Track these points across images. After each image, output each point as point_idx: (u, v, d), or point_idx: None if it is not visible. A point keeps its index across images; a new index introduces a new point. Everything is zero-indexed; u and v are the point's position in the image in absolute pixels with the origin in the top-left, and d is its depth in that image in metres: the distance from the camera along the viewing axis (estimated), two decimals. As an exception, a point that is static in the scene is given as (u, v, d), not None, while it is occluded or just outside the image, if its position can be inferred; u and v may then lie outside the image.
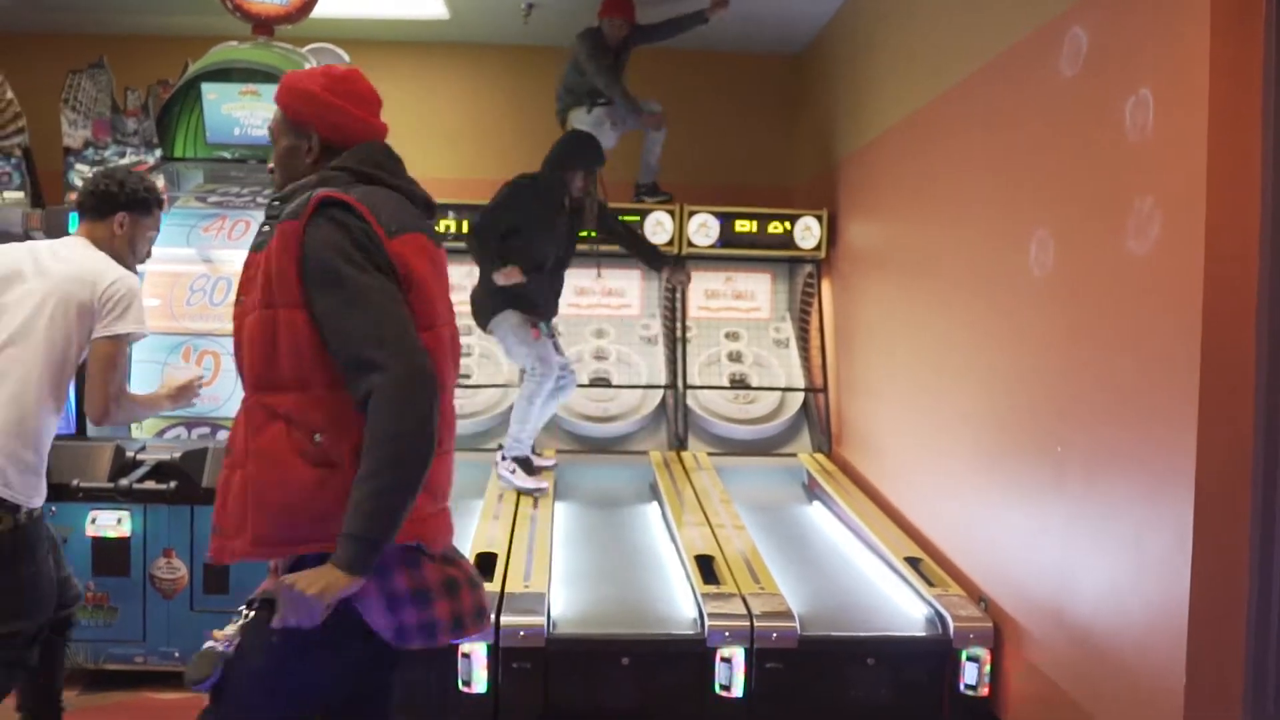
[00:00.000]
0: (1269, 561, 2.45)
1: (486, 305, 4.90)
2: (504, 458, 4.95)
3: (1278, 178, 2.44)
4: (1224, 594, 2.47)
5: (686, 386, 5.82)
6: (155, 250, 4.54)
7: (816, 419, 5.87)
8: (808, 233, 6.00)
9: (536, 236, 4.85)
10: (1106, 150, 2.88)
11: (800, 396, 5.97)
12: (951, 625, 3.51)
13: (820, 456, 5.64)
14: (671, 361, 5.93)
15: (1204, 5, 2.45)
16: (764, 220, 6.03)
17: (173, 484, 3.76)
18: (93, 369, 2.94)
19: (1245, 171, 2.43)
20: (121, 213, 3.14)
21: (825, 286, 6.10)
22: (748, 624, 3.44)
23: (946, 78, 4.16)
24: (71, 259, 3.01)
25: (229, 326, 4.22)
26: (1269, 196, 2.43)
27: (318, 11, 5.22)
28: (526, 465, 4.93)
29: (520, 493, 4.79)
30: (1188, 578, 2.47)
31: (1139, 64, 2.74)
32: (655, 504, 4.98)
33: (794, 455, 5.67)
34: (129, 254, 3.21)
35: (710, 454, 5.60)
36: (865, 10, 5.61)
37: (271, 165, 2.20)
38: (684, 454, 5.57)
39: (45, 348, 2.86)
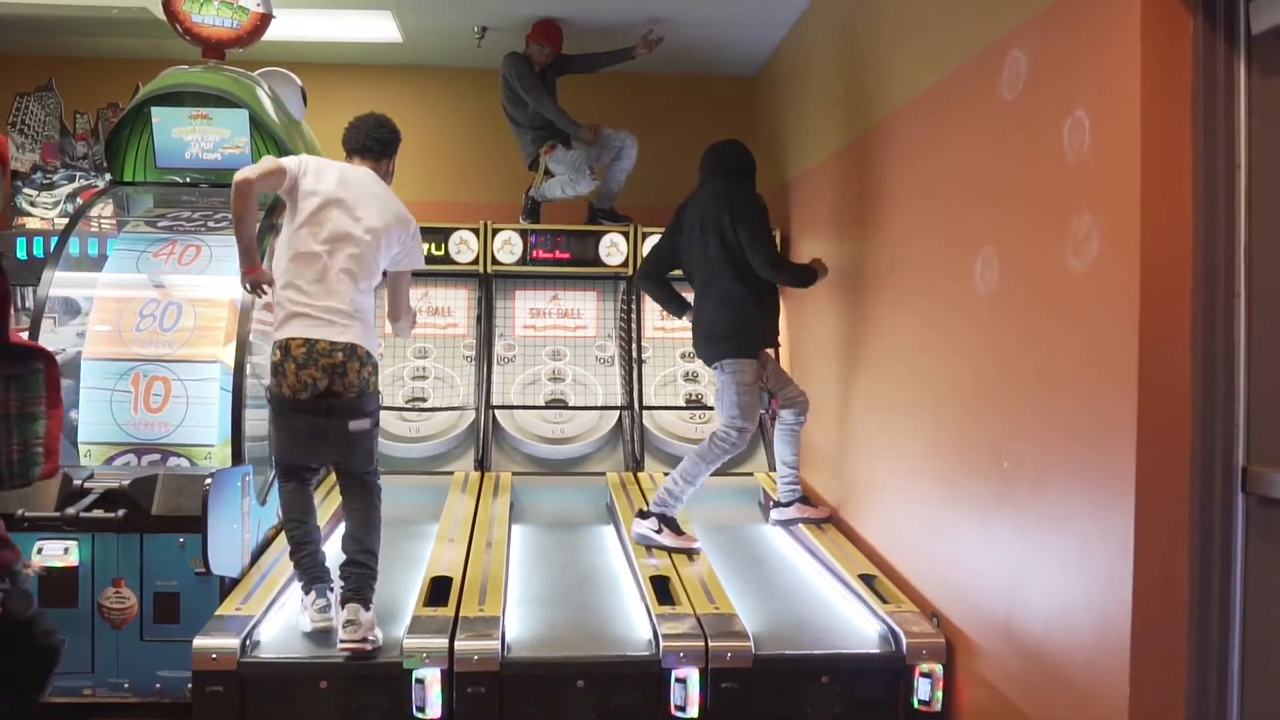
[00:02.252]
0: (1209, 572, 2.49)
1: (734, 338, 4.56)
2: (648, 515, 4.56)
3: (1208, 195, 2.50)
4: (1165, 605, 2.51)
5: (643, 407, 5.84)
6: (105, 276, 4.53)
7: (772, 438, 5.89)
8: (761, 253, 6.04)
9: None
10: (1046, 170, 2.94)
11: (756, 415, 6.00)
12: (905, 641, 3.53)
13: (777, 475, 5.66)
14: (628, 382, 5.94)
15: (1134, 29, 2.52)
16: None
17: (121, 512, 3.71)
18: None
19: (1177, 190, 2.49)
20: (392, 158, 3.94)
21: (780, 306, 6.14)
22: (702, 644, 3.45)
23: (892, 100, 4.23)
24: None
25: (180, 352, 4.28)
26: (1200, 214, 2.49)
27: (270, 34, 5.22)
28: (674, 525, 4.54)
29: (671, 552, 4.41)
30: (1130, 589, 2.51)
31: (1075, 87, 2.80)
32: (611, 526, 4.98)
33: (750, 474, 5.70)
34: None
35: (667, 474, 5.56)
36: (812, 35, 5.69)
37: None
38: (640, 475, 5.58)
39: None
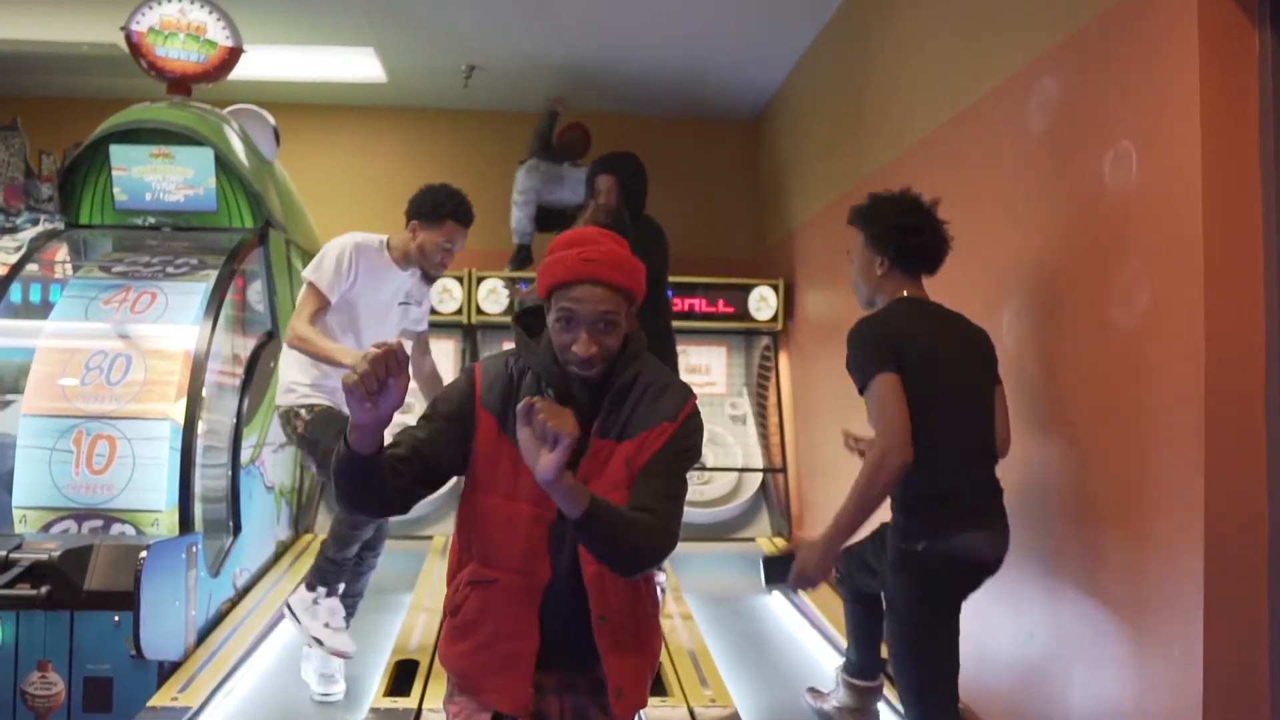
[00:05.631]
0: (1291, 679, 2.11)
1: None
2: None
3: (1283, 237, 2.15)
4: (1242, 716, 2.12)
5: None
6: (49, 324, 4.19)
7: (775, 500, 5.52)
8: (763, 303, 5.73)
9: None
10: (1083, 209, 2.60)
11: (758, 477, 5.64)
12: (925, 740, 3.12)
13: (780, 541, 5.29)
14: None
15: (1191, 48, 2.19)
16: (717, 290, 5.76)
17: (44, 589, 3.33)
18: None
19: (1245, 227, 2.15)
20: (413, 220, 3.55)
21: (783, 360, 5.80)
22: (695, 744, 3.06)
23: (902, 140, 3.91)
24: None
25: (127, 408, 3.91)
26: (1273, 256, 2.15)
27: (244, 73, 4.94)
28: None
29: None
30: (1200, 699, 2.12)
31: (1118, 114, 2.47)
32: (601, 597, 4.58)
33: (752, 539, 5.33)
34: (420, 258, 3.58)
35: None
36: (815, 75, 5.40)
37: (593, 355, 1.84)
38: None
39: None
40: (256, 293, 4.78)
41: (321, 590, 3.46)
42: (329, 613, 3.44)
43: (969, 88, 3.33)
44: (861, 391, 2.48)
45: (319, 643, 3.35)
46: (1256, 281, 2.14)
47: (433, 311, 5.53)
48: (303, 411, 3.47)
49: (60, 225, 5.48)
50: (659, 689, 3.39)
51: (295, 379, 3.49)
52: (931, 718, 2.55)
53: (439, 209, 3.57)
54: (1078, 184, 2.63)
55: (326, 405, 3.49)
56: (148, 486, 3.86)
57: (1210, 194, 2.14)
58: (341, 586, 3.55)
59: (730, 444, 5.76)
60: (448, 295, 5.59)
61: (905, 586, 2.54)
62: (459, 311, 5.61)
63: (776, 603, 4.67)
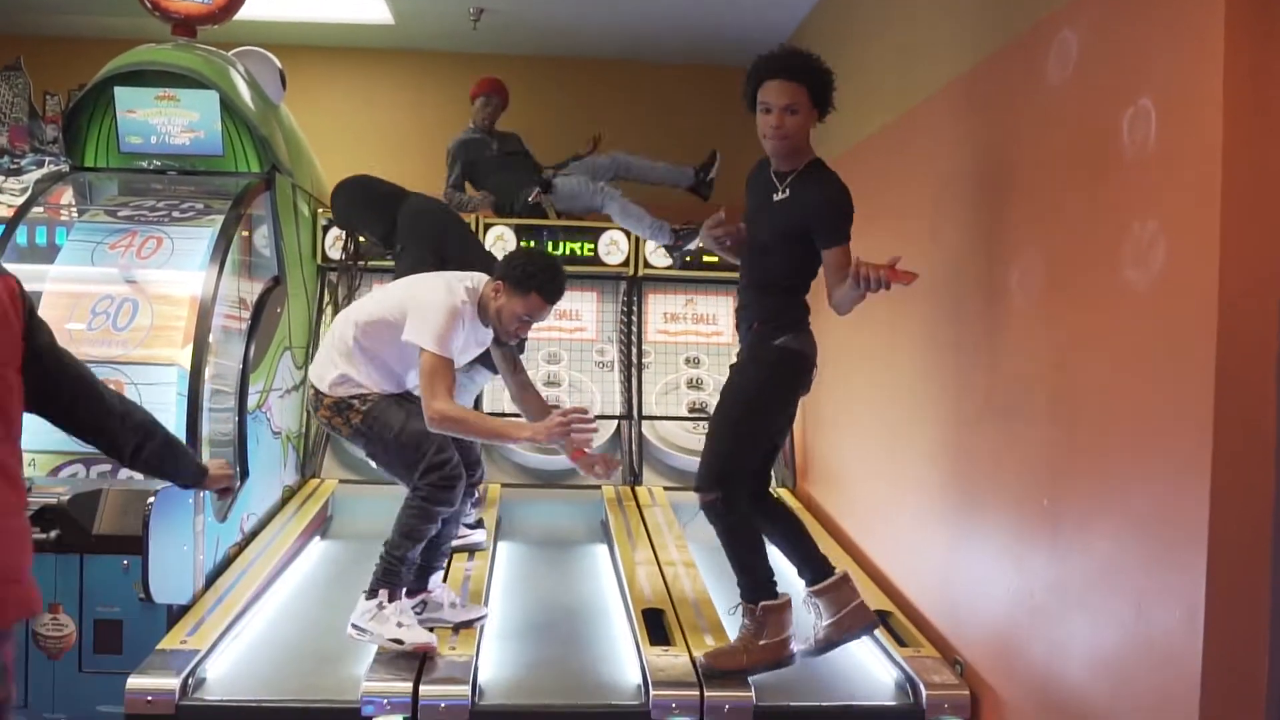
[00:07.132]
0: (1292, 642, 2.12)
1: None
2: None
3: (1302, 200, 2.12)
4: (1241, 684, 2.13)
5: (642, 416, 5.47)
6: (55, 269, 4.18)
7: (781, 453, 5.53)
8: (769, 254, 5.69)
9: None
10: (1100, 168, 2.56)
11: (763, 427, 5.64)
12: (924, 692, 3.15)
13: (784, 492, 5.30)
14: (627, 389, 5.58)
15: (1218, 2, 2.14)
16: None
17: (53, 534, 3.36)
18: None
19: (1267, 193, 2.11)
20: (498, 280, 3.37)
21: (790, 311, 5.77)
22: (697, 692, 3.07)
23: (919, 89, 3.86)
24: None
25: (134, 354, 3.92)
26: (1291, 221, 2.12)
27: (250, 13, 4.88)
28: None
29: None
30: (1199, 662, 2.13)
31: (1139, 71, 2.42)
32: (605, 545, 4.62)
33: (758, 490, 5.33)
34: (495, 321, 3.41)
35: (667, 489, 5.26)
36: (831, 20, 5.32)
37: None
38: (638, 489, 5.22)
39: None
40: (263, 237, 4.76)
41: (384, 594, 3.23)
42: (398, 612, 3.23)
43: (988, 38, 3.27)
44: (839, 243, 3.00)
45: (399, 643, 3.17)
46: (1275, 246, 2.11)
47: (599, 264, 5.61)
48: (355, 402, 3.36)
49: (65, 168, 5.45)
50: (661, 637, 3.42)
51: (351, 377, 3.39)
52: (731, 480, 3.12)
53: (527, 279, 3.34)
54: (1095, 141, 2.59)
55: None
56: (155, 432, 3.88)
57: (1231, 156, 2.10)
58: (404, 590, 3.33)
59: (736, 395, 5.77)
60: (614, 248, 5.60)
61: (758, 369, 3.20)
62: (625, 263, 5.65)
63: (780, 557, 4.69)
